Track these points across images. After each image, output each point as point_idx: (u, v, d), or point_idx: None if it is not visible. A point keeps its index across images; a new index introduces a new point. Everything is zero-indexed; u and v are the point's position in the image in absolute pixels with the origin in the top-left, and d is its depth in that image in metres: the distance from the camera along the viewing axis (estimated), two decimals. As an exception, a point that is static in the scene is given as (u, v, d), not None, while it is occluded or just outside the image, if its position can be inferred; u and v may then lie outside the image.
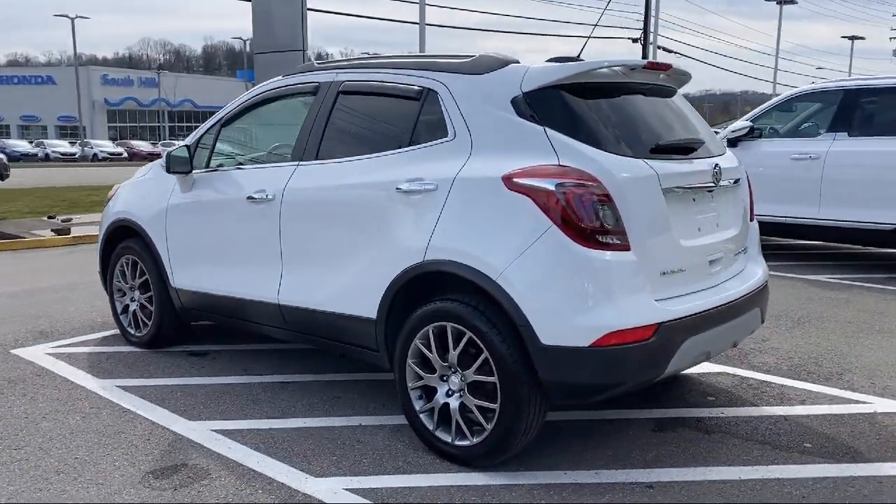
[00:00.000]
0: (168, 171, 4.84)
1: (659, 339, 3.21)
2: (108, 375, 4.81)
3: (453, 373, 3.50)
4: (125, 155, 49.96)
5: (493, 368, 3.30)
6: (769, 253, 9.20)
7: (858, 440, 3.82)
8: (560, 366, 3.18)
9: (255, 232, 4.37)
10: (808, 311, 6.46)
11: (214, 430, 3.93)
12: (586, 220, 3.14)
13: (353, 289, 3.86)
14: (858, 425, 4.00)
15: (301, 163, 4.18)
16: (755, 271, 4.03)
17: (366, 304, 3.77)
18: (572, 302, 3.15)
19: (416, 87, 3.80)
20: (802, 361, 5.08)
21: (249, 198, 4.36)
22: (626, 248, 3.20)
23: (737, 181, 3.94)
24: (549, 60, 3.75)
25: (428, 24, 19.35)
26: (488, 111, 3.52)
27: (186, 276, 4.91)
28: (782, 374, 4.81)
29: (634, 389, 3.43)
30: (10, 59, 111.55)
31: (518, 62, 3.60)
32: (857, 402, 4.35)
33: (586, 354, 3.13)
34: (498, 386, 3.31)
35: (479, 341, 3.33)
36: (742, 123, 8.71)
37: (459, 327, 3.39)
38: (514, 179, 3.26)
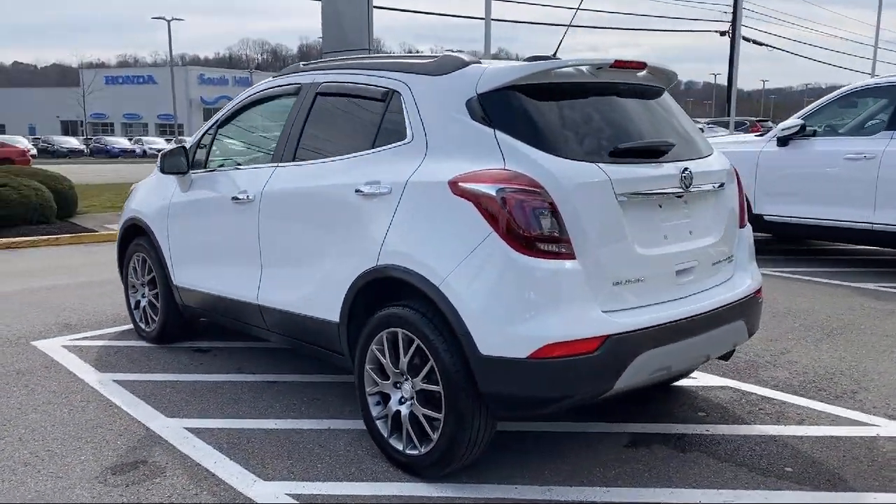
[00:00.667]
0: (161, 171, 4.95)
1: (605, 352, 3.05)
2: (109, 370, 4.96)
3: (405, 380, 3.44)
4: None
5: (438, 377, 3.21)
6: (816, 258, 8.76)
7: (847, 466, 3.53)
8: (499, 377, 3.06)
9: (239, 232, 4.41)
10: (845, 322, 6.05)
11: (187, 428, 3.98)
12: (527, 227, 3.01)
13: (319, 291, 3.84)
14: (854, 450, 3.71)
15: (280, 164, 4.19)
16: (742, 281, 3.79)
17: (330, 306, 3.75)
18: (511, 312, 3.03)
19: (381, 89, 3.74)
20: (817, 377, 4.75)
21: (234, 198, 4.40)
22: (571, 256, 3.06)
23: (721, 185, 3.71)
24: (527, 59, 3.63)
25: (496, 20, 19.18)
26: (444, 113, 3.43)
27: (185, 274, 5.02)
28: (790, 390, 4.52)
29: (586, 403, 3.28)
30: (120, 60, 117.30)
31: (479, 62, 3.49)
32: (861, 423, 4.03)
33: (525, 366, 3.00)
34: (442, 395, 3.22)
35: (426, 349, 3.25)
36: (793, 121, 8.24)
37: (409, 334, 3.32)
38: (459, 184, 3.17)
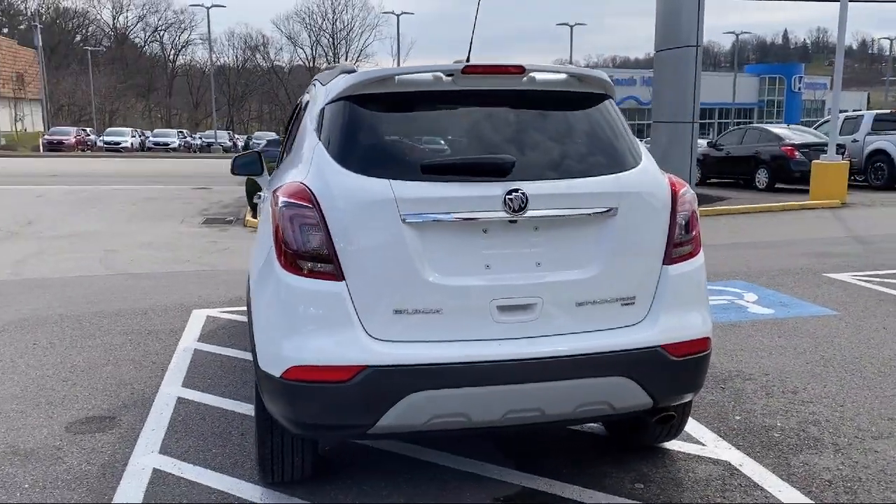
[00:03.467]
0: (232, 172, 5.57)
1: (363, 383, 2.80)
2: (207, 340, 5.81)
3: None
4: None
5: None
6: None
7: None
8: (268, 394, 3.02)
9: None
10: None
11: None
12: (293, 243, 2.91)
13: None
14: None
15: (274, 171, 4.52)
16: (644, 330, 3.06)
17: None
18: (274, 328, 2.96)
19: (305, 99, 3.85)
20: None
21: (262, 199, 4.85)
22: (336, 277, 2.86)
23: (608, 211, 3.03)
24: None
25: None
26: (307, 123, 3.43)
27: None
28: (814, 496, 3.45)
29: (354, 437, 3.10)
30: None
31: (353, 71, 3.37)
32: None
33: (281, 386, 2.91)
34: (255, 405, 3.29)
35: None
36: None
37: None
38: (275, 194, 3.17)
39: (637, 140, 3.38)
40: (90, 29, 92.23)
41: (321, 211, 2.89)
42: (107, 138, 48.54)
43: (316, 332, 2.87)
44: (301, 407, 2.91)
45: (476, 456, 3.69)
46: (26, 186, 20.79)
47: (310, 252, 2.89)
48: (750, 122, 52.63)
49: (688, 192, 3.25)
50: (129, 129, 52.59)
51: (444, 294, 2.89)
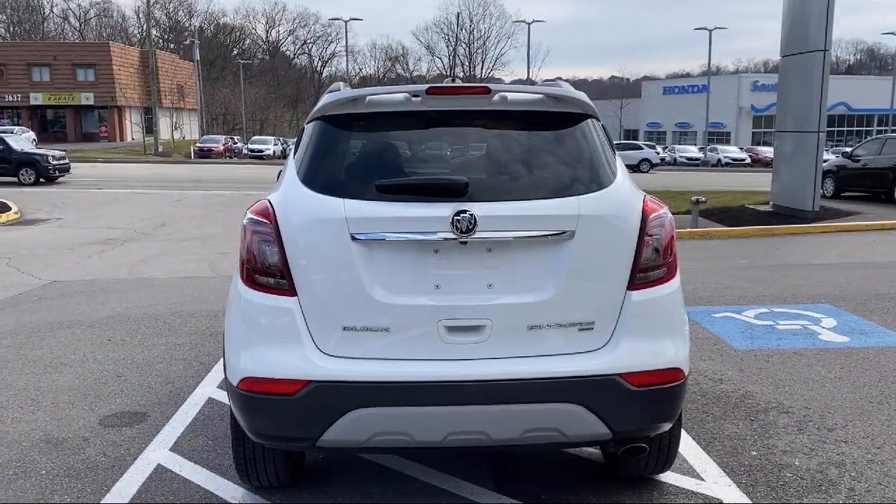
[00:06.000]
0: None
1: (308, 397, 2.88)
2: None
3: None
4: (748, 160, 50.23)
5: None
6: None
7: None
8: (231, 402, 3.16)
9: None
10: None
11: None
12: (252, 258, 3.03)
13: None
14: None
15: None
16: (602, 359, 2.94)
17: None
18: (236, 340, 3.09)
19: None
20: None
21: None
22: (289, 293, 2.96)
23: (562, 234, 2.94)
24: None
25: None
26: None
27: None
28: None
29: (304, 450, 3.24)
30: (668, 73, 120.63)
31: (336, 91, 3.44)
32: None
33: (237, 395, 3.04)
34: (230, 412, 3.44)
35: None
36: None
37: None
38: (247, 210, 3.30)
39: (617, 161, 3.27)
40: (246, 43, 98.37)
41: (278, 228, 3.00)
42: (251, 146, 51.29)
43: (268, 346, 2.98)
44: (254, 417, 3.03)
45: (458, 473, 3.69)
46: (170, 191, 22.50)
47: (266, 267, 3.00)
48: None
49: (662, 216, 3.11)
50: (273, 138, 55.32)
51: (392, 312, 2.92)
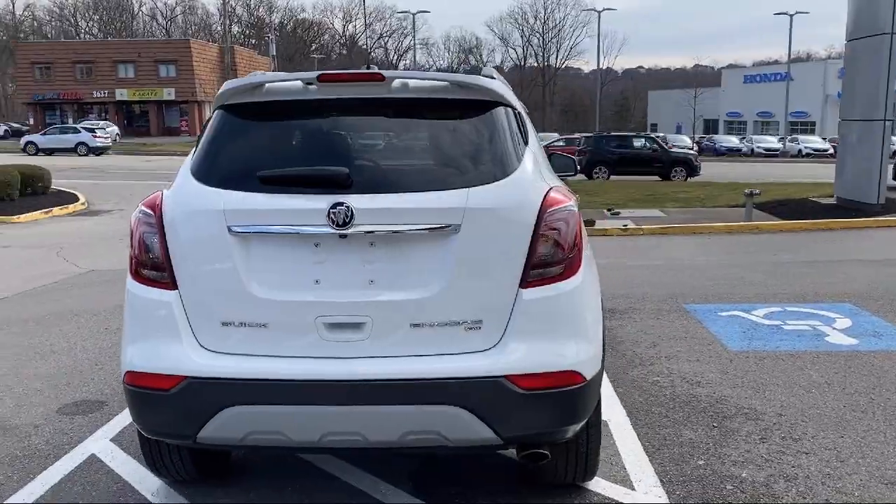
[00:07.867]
0: None
1: (182, 394, 2.83)
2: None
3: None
4: (830, 151, 47.83)
5: None
6: None
7: None
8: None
9: None
10: None
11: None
12: (137, 250, 2.99)
13: None
14: None
15: None
16: (487, 360, 2.77)
17: None
18: (124, 333, 3.08)
19: None
20: None
21: None
22: (169, 286, 2.90)
23: (447, 227, 2.78)
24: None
25: None
26: None
27: None
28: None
29: (186, 446, 3.14)
30: (755, 61, 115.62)
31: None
32: None
33: (124, 389, 3.03)
34: None
35: None
36: None
37: None
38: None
39: (527, 151, 3.08)
40: (324, 38, 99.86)
41: (161, 220, 2.95)
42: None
43: (150, 340, 2.94)
44: (139, 411, 3.00)
45: (380, 474, 3.58)
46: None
47: (149, 260, 2.96)
48: None
49: (563, 209, 2.90)
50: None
51: (269, 308, 2.83)
